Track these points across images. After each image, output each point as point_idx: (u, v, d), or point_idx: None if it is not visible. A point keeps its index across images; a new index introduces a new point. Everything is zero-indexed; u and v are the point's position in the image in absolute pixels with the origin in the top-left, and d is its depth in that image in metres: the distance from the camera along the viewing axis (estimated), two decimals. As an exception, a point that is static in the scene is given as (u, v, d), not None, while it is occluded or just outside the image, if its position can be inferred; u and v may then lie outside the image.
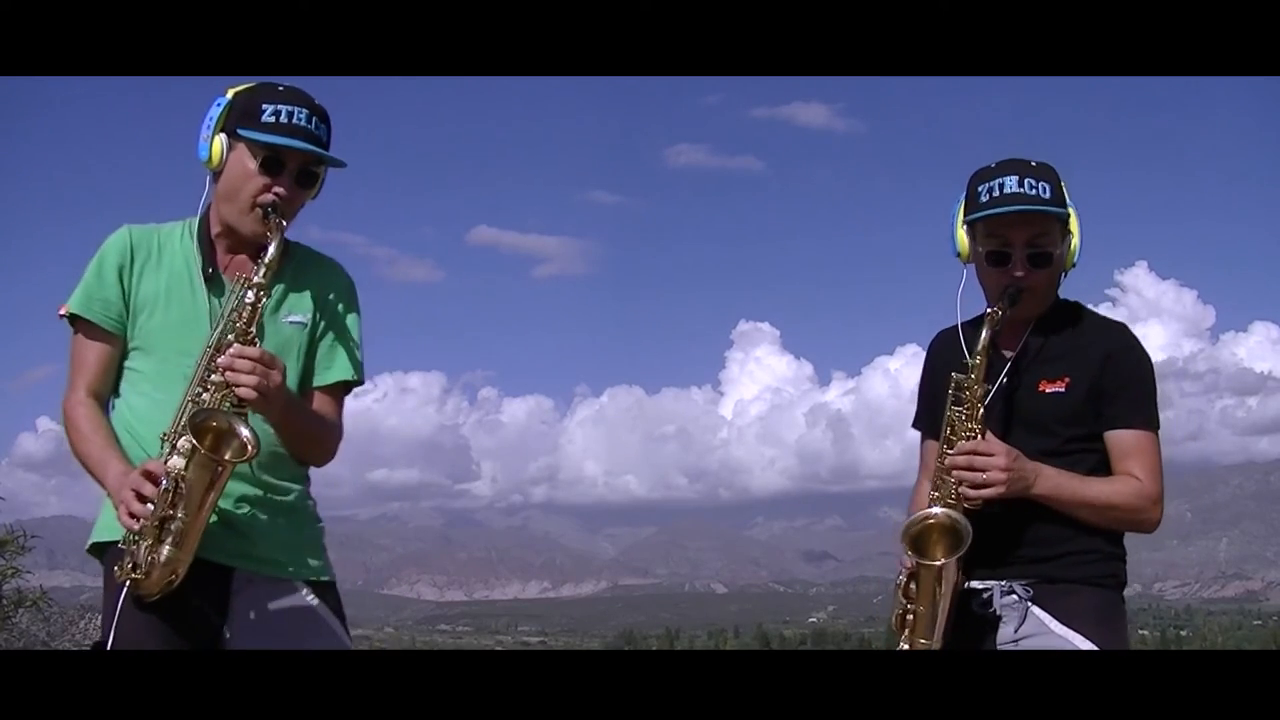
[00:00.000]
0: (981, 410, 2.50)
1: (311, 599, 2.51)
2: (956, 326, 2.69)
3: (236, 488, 2.44)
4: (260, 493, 2.49)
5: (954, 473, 2.48)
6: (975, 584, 2.53)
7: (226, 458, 2.29)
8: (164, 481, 2.26)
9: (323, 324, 2.58)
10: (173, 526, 2.27)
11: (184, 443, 2.27)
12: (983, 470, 2.44)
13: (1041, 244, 2.55)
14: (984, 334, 2.52)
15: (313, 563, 2.54)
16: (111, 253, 2.50)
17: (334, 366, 2.58)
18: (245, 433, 2.31)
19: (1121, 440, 2.54)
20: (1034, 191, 2.52)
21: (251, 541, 2.46)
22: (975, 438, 2.49)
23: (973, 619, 2.52)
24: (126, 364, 2.50)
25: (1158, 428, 2.57)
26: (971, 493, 2.45)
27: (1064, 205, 2.57)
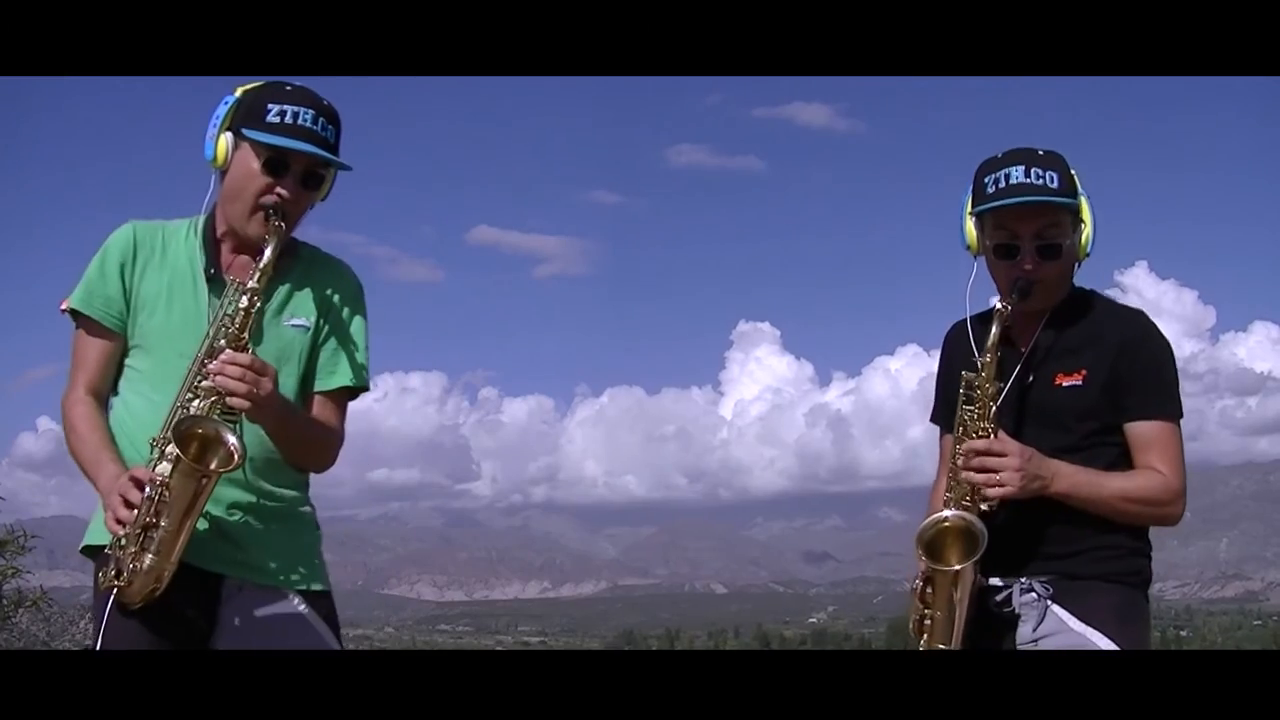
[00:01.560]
0: (994, 409, 2.45)
1: (302, 608, 2.47)
2: (966, 320, 2.64)
3: (229, 494, 2.42)
4: (254, 499, 2.45)
5: (966, 474, 2.43)
6: (995, 581, 2.48)
7: (212, 467, 2.26)
8: (148, 489, 2.25)
9: (326, 328, 2.53)
10: (155, 535, 2.25)
11: (171, 450, 2.26)
12: (995, 471, 2.39)
13: (1050, 235, 2.48)
14: (993, 330, 2.45)
15: (305, 571, 2.50)
16: (114, 249, 2.47)
17: (336, 372, 2.54)
18: (232, 441, 2.27)
19: (1141, 432, 2.47)
20: (1041, 181, 2.46)
21: (243, 549, 2.43)
22: (988, 437, 2.44)
23: (992, 618, 2.48)
24: (127, 362, 2.48)
25: (1179, 417, 2.50)
26: (990, 492, 2.40)
27: (1074, 194, 2.51)
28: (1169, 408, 2.50)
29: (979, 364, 2.47)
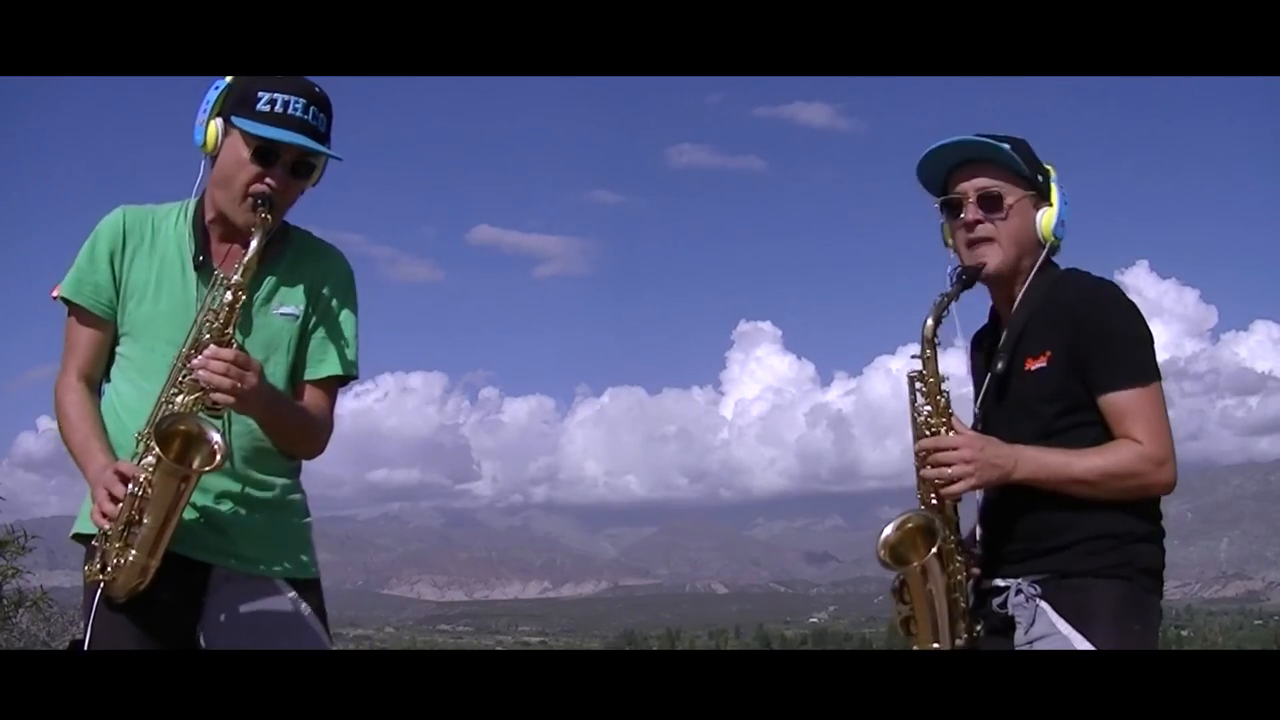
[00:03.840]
0: (944, 401, 2.43)
1: (291, 597, 2.46)
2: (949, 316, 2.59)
3: (217, 483, 2.41)
4: (242, 488, 2.44)
5: (921, 471, 2.42)
6: (998, 582, 2.46)
7: (195, 465, 2.26)
8: (131, 485, 2.24)
9: (316, 316, 2.52)
10: (139, 531, 2.25)
11: (155, 447, 2.26)
12: (946, 465, 2.37)
13: (990, 189, 2.48)
14: (928, 322, 2.45)
15: (294, 560, 2.49)
16: (104, 236, 2.46)
17: (325, 361, 2.52)
18: (215, 439, 2.27)
19: (1114, 404, 2.38)
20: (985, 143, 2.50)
21: (230, 538, 2.42)
22: (941, 432, 2.41)
23: (994, 619, 2.46)
24: (118, 349, 2.47)
25: (1151, 380, 2.39)
26: (944, 491, 2.38)
27: (1026, 166, 2.50)
28: (1137, 373, 2.39)
29: (922, 358, 2.45)
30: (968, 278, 2.48)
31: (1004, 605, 2.44)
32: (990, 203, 2.47)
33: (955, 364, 2.59)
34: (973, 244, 2.49)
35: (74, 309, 2.46)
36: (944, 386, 2.44)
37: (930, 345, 2.44)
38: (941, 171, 2.55)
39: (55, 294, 2.47)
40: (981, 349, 2.61)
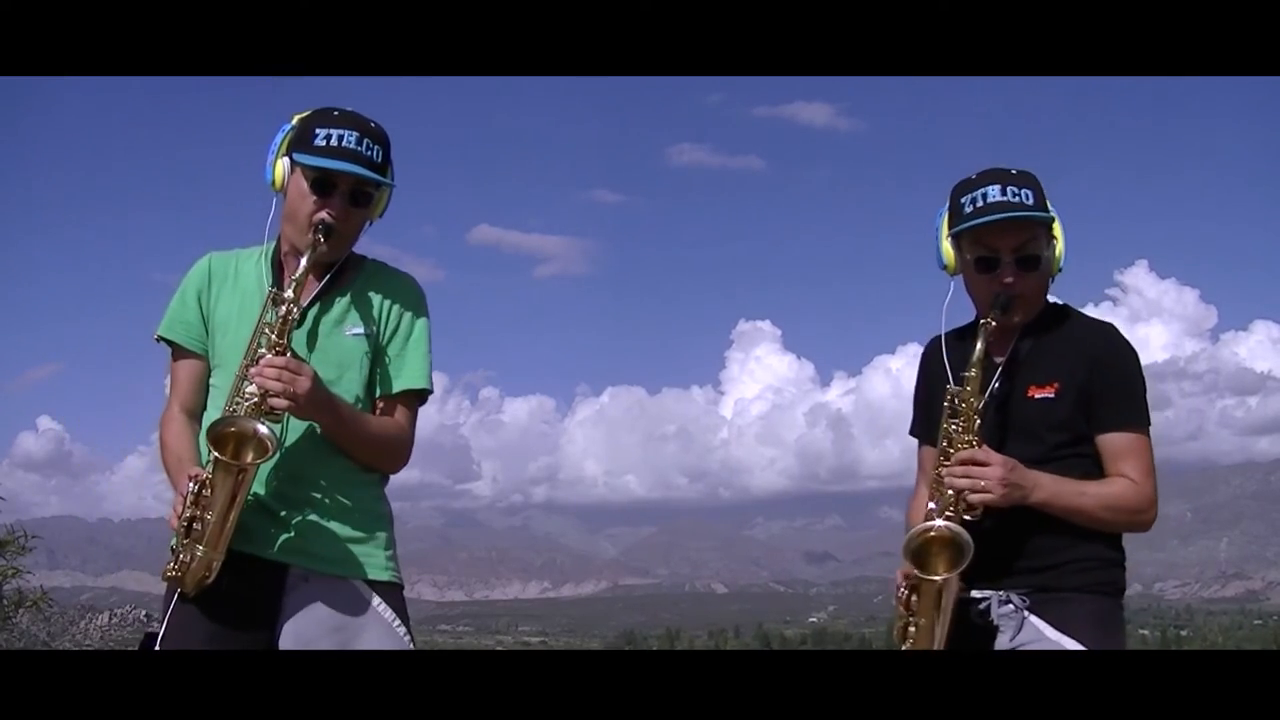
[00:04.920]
0: (978, 423, 2.51)
1: (368, 596, 2.56)
2: (941, 337, 2.70)
3: (294, 488, 2.54)
4: (317, 493, 2.56)
5: (951, 484, 2.48)
6: (974, 593, 2.52)
7: (249, 459, 2.39)
8: (192, 484, 2.40)
9: (386, 335, 2.64)
10: (200, 527, 2.39)
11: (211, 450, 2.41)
12: (979, 479, 2.45)
13: (1029, 249, 2.55)
14: (978, 346, 2.52)
15: (372, 562, 2.58)
16: (192, 280, 2.67)
17: (398, 376, 2.64)
18: (263, 431, 2.39)
19: (1114, 443, 2.54)
20: (1017, 199, 2.53)
21: (307, 540, 2.53)
22: (972, 449, 2.49)
23: (971, 629, 2.51)
24: (210, 381, 2.64)
25: (1147, 426, 2.58)
26: (973, 498, 2.44)
27: (1047, 210, 2.58)
28: (1140, 418, 2.56)
29: (964, 378, 2.52)
30: (1007, 302, 2.56)
31: (982, 615, 2.51)
32: (1029, 264, 2.56)
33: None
34: (1006, 301, 2.56)
35: (171, 346, 2.66)
36: (979, 410, 2.52)
37: (979, 366, 2.51)
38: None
39: (155, 336, 2.68)
40: (940, 366, 2.66)
